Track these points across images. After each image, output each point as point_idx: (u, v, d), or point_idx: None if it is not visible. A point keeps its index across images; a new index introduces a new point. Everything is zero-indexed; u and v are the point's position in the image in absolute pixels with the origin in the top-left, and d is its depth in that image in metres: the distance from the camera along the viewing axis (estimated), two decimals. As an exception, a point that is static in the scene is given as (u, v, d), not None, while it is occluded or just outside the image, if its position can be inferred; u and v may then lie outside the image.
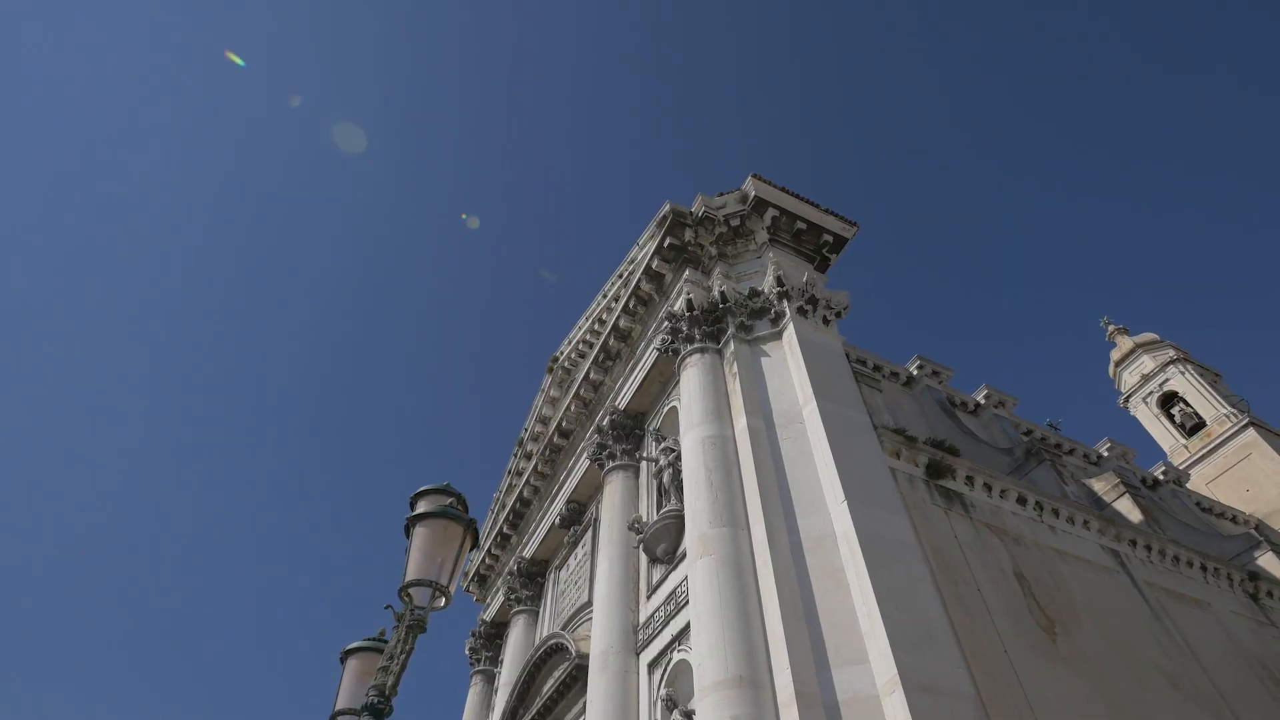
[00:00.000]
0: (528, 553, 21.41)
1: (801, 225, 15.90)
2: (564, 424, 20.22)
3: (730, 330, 13.79)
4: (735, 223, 15.84)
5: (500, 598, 23.10)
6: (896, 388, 18.97)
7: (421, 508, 4.32)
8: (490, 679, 23.12)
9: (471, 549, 4.67)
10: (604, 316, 19.72)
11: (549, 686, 15.06)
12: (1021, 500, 12.39)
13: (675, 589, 11.65)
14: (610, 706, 11.37)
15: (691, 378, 13.34)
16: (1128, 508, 15.63)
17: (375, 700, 4.46)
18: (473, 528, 4.31)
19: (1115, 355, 35.38)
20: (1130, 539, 13.34)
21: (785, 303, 13.74)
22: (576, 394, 19.43)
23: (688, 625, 10.78)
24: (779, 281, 14.06)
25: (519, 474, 24.16)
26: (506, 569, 23.11)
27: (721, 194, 16.07)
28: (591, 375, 18.85)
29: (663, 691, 10.43)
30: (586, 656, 13.38)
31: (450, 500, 4.28)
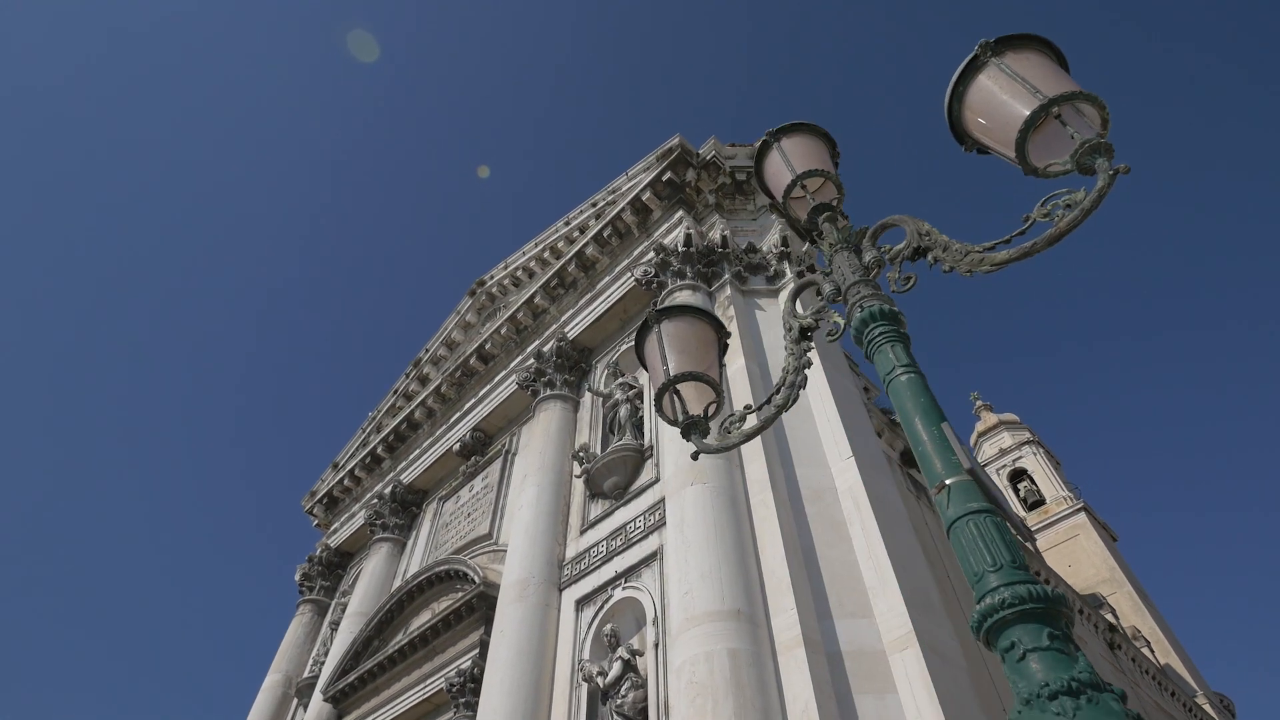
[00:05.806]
0: (407, 479, 19.27)
1: (802, 200, 15.47)
2: (487, 347, 18.44)
3: (726, 276, 13.01)
4: (741, 177, 15.13)
5: (357, 523, 20.66)
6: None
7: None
8: (322, 610, 20.60)
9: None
10: (561, 245, 18.27)
11: (428, 618, 13.31)
12: (967, 509, 12.49)
13: (627, 524, 10.54)
14: (526, 637, 10.03)
15: (681, 311, 12.35)
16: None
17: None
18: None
19: (980, 427, 38.66)
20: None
21: (785, 264, 13.17)
22: (512, 317, 17.77)
23: (642, 562, 9.74)
24: (784, 242, 13.47)
25: (408, 396, 21.91)
26: (372, 493, 20.74)
27: (734, 144, 15.32)
28: (537, 300, 17.31)
29: (606, 628, 9.26)
30: (494, 585, 11.90)
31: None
